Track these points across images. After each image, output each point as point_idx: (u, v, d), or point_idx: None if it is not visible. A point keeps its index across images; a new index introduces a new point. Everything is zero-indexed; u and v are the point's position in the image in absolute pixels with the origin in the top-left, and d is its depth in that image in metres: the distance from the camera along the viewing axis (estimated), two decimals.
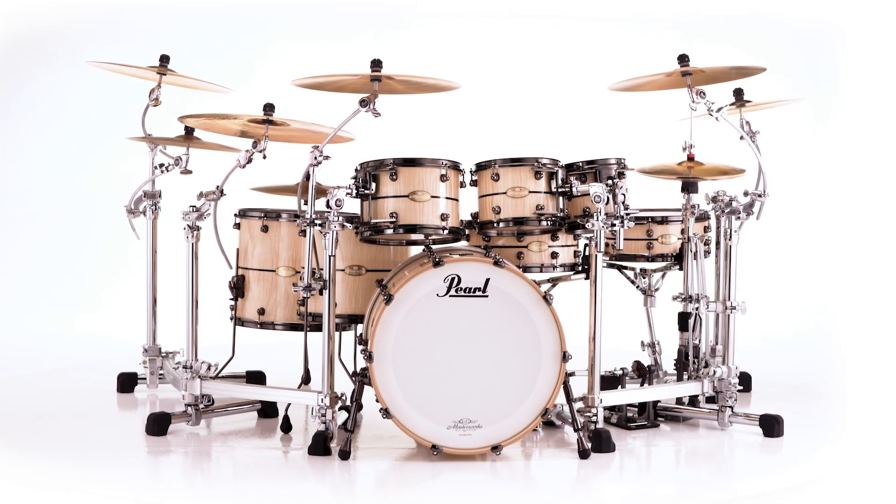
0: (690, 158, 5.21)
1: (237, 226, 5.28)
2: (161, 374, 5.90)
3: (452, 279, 4.37)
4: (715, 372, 5.01)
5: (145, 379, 5.95)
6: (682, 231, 5.40)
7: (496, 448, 4.39)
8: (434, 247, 4.76)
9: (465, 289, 4.37)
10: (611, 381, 5.34)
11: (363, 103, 4.48)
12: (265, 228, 5.16)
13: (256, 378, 5.95)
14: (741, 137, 5.24)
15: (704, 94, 4.75)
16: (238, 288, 5.23)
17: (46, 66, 8.08)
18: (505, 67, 8.23)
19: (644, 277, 5.76)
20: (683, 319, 5.29)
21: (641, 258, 5.64)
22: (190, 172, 5.52)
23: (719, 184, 5.30)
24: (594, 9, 8.02)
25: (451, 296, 4.37)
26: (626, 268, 5.76)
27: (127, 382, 6.01)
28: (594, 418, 4.62)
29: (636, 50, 7.72)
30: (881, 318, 7.56)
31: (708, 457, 4.76)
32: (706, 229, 5.58)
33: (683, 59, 4.73)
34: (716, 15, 7.91)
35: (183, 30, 7.84)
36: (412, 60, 6.65)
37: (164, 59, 5.50)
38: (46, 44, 8.02)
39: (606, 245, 5.67)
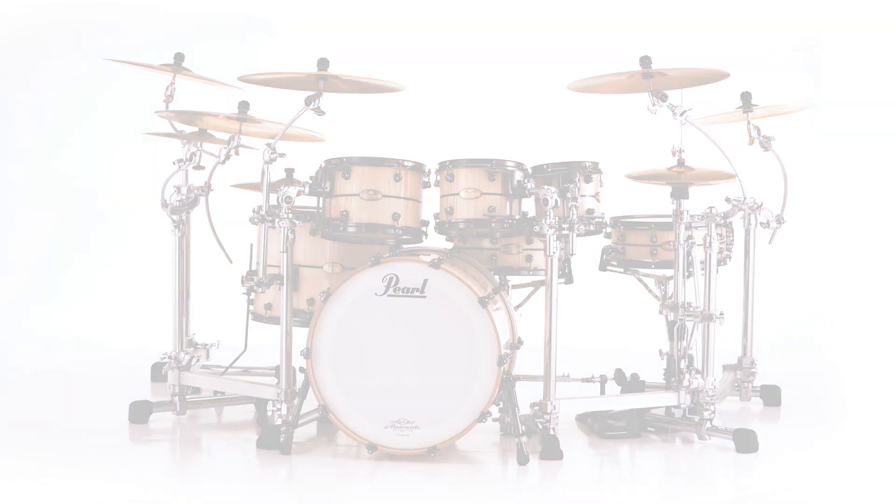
0: (681, 163, 5.06)
1: (253, 221, 5.39)
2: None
3: (391, 279, 4.38)
4: (690, 383, 4.85)
5: None
6: (687, 237, 5.23)
7: (433, 449, 4.37)
8: (406, 246, 4.79)
9: (404, 289, 4.37)
10: (633, 385, 5.16)
11: (308, 101, 4.54)
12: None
13: None
14: (750, 143, 5.09)
15: (667, 96, 4.59)
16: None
17: (39, 68, 8.38)
18: (502, 67, 8.08)
19: (661, 285, 5.63)
20: (671, 328, 5.15)
21: (646, 264, 5.51)
22: (203, 168, 5.66)
23: (713, 189, 5.15)
24: (594, 13, 7.89)
25: (388, 295, 4.38)
26: (657, 275, 5.63)
27: (160, 372, 6.23)
28: (549, 424, 4.55)
29: (632, 51, 7.54)
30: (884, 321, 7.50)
31: (662, 468, 4.65)
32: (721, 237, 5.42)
33: (645, 60, 4.58)
34: (714, 13, 7.67)
35: (183, 29, 8.00)
36: (408, 60, 6.69)
37: (179, 58, 5.67)
38: (44, 43, 8.31)
39: (613, 251, 5.60)
